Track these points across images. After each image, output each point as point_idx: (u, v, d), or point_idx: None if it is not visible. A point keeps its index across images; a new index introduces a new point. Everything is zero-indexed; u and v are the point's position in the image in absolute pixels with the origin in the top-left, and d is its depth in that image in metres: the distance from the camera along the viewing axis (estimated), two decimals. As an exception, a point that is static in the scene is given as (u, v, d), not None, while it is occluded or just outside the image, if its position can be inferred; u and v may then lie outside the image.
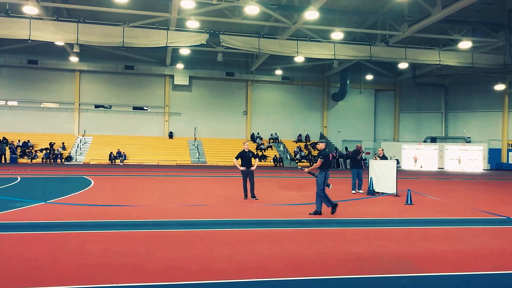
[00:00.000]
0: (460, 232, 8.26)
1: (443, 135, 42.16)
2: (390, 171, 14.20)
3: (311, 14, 23.72)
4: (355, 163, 14.92)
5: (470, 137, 40.61)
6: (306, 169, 10.24)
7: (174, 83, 38.41)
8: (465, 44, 29.33)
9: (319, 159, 9.70)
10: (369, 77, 41.95)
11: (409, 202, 11.88)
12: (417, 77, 39.86)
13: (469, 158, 38.73)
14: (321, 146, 10.05)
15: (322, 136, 41.29)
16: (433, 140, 41.24)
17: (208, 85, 39.75)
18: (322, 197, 9.62)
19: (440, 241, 7.29)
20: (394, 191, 13.82)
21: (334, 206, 9.71)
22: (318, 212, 9.61)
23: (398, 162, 15.77)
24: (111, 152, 33.57)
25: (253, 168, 12.37)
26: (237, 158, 12.40)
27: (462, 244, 7.15)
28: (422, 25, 25.71)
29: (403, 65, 34.98)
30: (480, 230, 8.54)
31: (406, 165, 39.49)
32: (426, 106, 43.32)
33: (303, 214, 10.08)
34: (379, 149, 15.78)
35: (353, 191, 14.72)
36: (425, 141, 41.41)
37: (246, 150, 12.43)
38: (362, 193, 14.32)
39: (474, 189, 18.47)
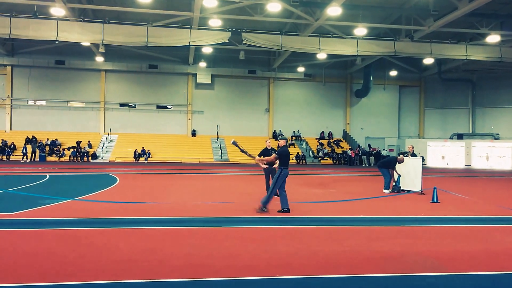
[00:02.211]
0: (489, 231, 8.08)
1: (470, 132, 41.17)
2: (416, 169, 13.97)
3: (334, 10, 23.53)
4: (387, 165, 14.18)
5: (498, 134, 39.52)
6: (257, 158, 10.46)
7: (197, 81, 38.69)
8: (493, 38, 28.54)
9: (273, 154, 9.55)
10: (393, 73, 41.27)
11: (435, 200, 11.67)
12: (443, 72, 39.01)
13: (498, 155, 37.72)
14: (281, 143, 9.87)
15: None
16: (460, 136, 40.32)
17: (230, 83, 39.89)
18: (272, 194, 9.46)
19: (467, 240, 7.15)
20: (419, 188, 13.61)
21: (265, 206, 9.38)
22: (285, 210, 9.42)
23: (423, 160, 15.28)
24: (136, 150, 34.12)
25: (275, 165, 12.33)
26: (259, 156, 12.36)
27: (491, 243, 6.98)
28: (448, 19, 25.15)
29: (428, 61, 34.31)
30: (509, 229, 8.33)
31: (432, 163, 38.76)
32: (452, 102, 42.35)
33: (327, 211, 10.04)
34: (409, 146, 15.38)
35: (388, 191, 14.19)
36: (451, 138, 40.54)
37: (268, 147, 12.40)
38: (388, 192, 14.03)
39: (503, 187, 17.99)
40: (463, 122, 41.93)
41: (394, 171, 14.05)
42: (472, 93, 41.38)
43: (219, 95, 39.94)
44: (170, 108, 39.36)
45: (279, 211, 9.47)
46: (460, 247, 6.64)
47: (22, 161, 30.88)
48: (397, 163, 13.99)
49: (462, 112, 42.07)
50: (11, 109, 36.32)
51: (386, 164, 14.16)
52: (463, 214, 10.06)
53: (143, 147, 34.53)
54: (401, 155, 14.38)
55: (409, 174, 14.11)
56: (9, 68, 36.13)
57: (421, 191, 13.55)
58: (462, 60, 31.99)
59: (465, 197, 13.10)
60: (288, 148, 12.38)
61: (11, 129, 36.22)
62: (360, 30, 27.48)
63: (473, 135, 40.64)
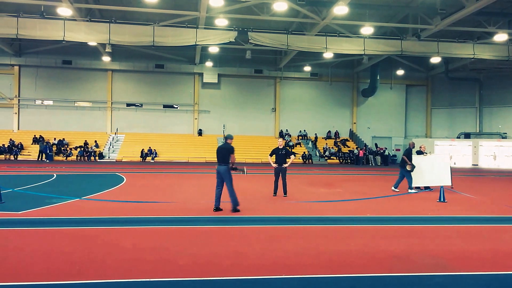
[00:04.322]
0: (496, 231, 8.02)
1: (478, 131, 40.85)
2: (439, 165, 14.22)
3: (340, 9, 23.42)
4: (402, 162, 13.96)
5: (506, 133, 39.18)
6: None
7: (203, 81, 38.71)
8: (501, 37, 28.28)
9: (231, 154, 9.58)
10: (400, 72, 41.04)
11: (442, 200, 11.61)
12: (450, 71, 38.74)
13: (505, 155, 37.38)
14: (229, 142, 9.85)
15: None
16: (467, 136, 40.02)
17: (237, 82, 39.88)
18: (233, 193, 9.47)
19: (474, 240, 7.11)
20: (448, 183, 14.10)
21: (236, 207, 9.45)
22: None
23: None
24: (143, 150, 34.23)
25: (285, 165, 12.32)
26: (271, 155, 12.46)
27: (498, 242, 6.93)
28: (455, 18, 24.95)
29: (435, 60, 34.06)
30: (517, 229, 8.26)
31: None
32: (459, 101, 42.04)
33: (334, 211, 10.02)
34: (422, 145, 15.33)
35: (395, 189, 14.12)
36: (458, 137, 40.27)
37: (280, 147, 12.42)
38: (413, 192, 13.79)
39: (510, 186, 17.84)
40: (470, 121, 41.62)
41: (408, 163, 13.85)
42: (479, 92, 41.05)
43: (226, 94, 39.95)
44: (177, 107, 39.42)
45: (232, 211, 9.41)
46: (467, 246, 6.60)
47: (46, 160, 30.98)
48: (412, 152, 14.02)
49: (469, 111, 41.75)
50: (18, 109, 36.55)
51: (404, 159, 13.94)
52: (470, 213, 10.00)
53: (150, 147, 34.63)
54: (412, 142, 14.56)
55: (432, 170, 14.09)
56: (16, 68, 36.36)
57: (451, 187, 14.39)
58: (469, 59, 31.72)
59: (472, 197, 13.02)
60: (285, 151, 12.38)
61: (18, 128, 36.46)
62: (367, 29, 27.33)
63: (480, 134, 40.32)
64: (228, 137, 9.94)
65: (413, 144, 14.32)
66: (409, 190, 13.87)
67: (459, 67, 38.35)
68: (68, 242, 6.47)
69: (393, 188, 14.31)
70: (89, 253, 5.85)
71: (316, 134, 40.29)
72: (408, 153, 14.05)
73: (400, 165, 14.34)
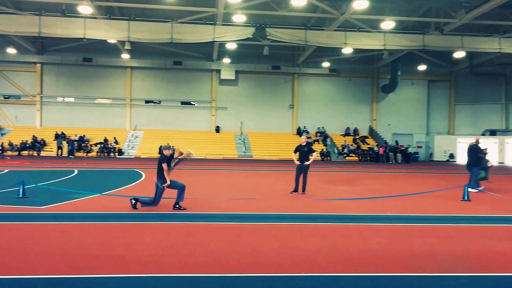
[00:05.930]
0: (524, 231, 7.75)
1: (504, 128, 39.76)
2: None
3: (360, 4, 23.05)
4: (476, 160, 13.43)
5: (534, 130, 38.11)
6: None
7: (221, 77, 38.75)
8: (528, 30, 27.47)
9: (164, 164, 9.40)
10: (422, 67, 40.18)
11: (466, 198, 11.29)
12: (474, 66, 37.75)
13: (533, 152, 36.39)
14: (164, 152, 9.68)
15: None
16: (493, 133, 39.02)
17: (254, 79, 39.75)
18: (156, 200, 9.18)
19: (501, 240, 6.87)
20: None
21: (135, 203, 9.10)
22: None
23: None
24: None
25: (307, 162, 12.13)
26: (295, 152, 12.33)
27: (527, 243, 6.68)
28: (480, 11, 24.28)
29: (459, 54, 33.22)
30: (546, 229, 7.96)
31: (462, 160, 37.70)
32: (484, 97, 40.95)
33: (353, 209, 9.85)
34: (477, 136, 14.99)
35: (477, 189, 13.32)
36: (483, 134, 39.30)
37: (303, 143, 12.26)
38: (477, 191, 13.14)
39: (538, 185, 17.30)
40: (496, 118, 40.51)
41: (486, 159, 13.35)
42: (505, 87, 39.91)
43: (243, 91, 39.88)
44: (194, 104, 39.56)
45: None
46: (493, 247, 6.37)
47: (71, 156, 31.46)
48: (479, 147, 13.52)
49: (495, 108, 40.65)
50: (41, 106, 37.26)
51: (472, 156, 13.46)
52: (496, 213, 9.69)
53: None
54: (478, 136, 14.04)
55: None
56: (38, 65, 37.04)
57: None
58: (495, 53, 30.84)
59: (498, 196, 12.64)
60: (308, 148, 12.15)
61: (41, 125, 37.19)
62: (388, 24, 26.82)
63: (506, 131, 39.26)
64: (163, 148, 9.88)
65: (478, 139, 13.72)
66: (471, 189, 12.79)
67: (484, 61, 37.26)
68: (89, 236, 6.51)
69: (470, 189, 12.85)
70: (109, 248, 5.86)
71: (325, 131, 39.84)
72: (480, 150, 13.47)
73: (468, 164, 13.66)
